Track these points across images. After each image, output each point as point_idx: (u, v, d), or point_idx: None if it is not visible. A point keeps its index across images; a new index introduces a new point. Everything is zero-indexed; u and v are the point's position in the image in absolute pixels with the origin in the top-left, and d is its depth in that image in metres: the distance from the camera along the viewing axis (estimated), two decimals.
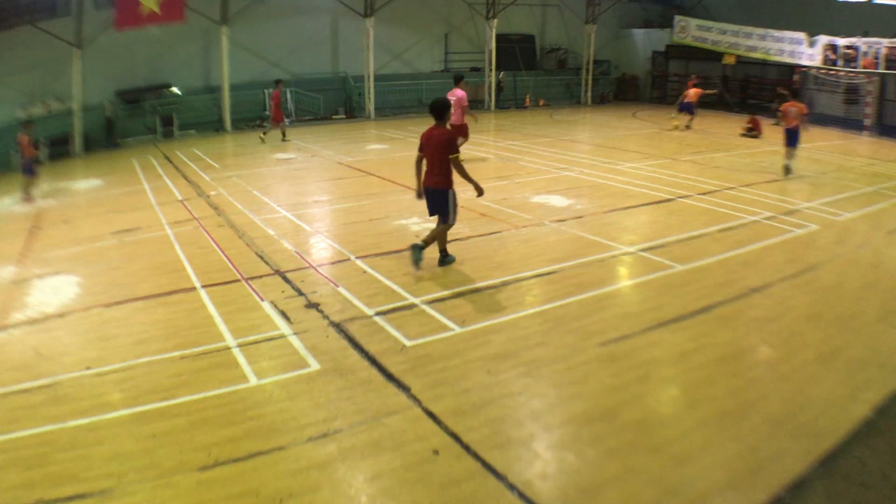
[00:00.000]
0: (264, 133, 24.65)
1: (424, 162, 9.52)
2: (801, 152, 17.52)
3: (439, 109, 9.44)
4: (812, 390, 6.30)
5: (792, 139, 16.23)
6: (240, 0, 27.69)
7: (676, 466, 5.11)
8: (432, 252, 9.86)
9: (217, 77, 27.58)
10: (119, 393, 6.29)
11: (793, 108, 16.11)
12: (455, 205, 9.57)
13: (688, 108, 25.88)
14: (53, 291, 9.28)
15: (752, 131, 24.38)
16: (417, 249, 9.59)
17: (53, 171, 17.18)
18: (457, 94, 17.38)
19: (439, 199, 9.49)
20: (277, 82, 24.42)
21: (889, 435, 5.55)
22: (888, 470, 5.06)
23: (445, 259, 9.93)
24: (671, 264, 9.78)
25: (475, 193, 9.67)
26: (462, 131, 17.51)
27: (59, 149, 22.98)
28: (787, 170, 16.49)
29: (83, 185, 16.96)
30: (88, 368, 6.78)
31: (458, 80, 18.15)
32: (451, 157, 9.23)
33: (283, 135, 24.54)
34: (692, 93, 25.62)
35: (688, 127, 26.09)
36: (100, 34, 24.06)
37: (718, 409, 5.92)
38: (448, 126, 9.87)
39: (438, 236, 9.75)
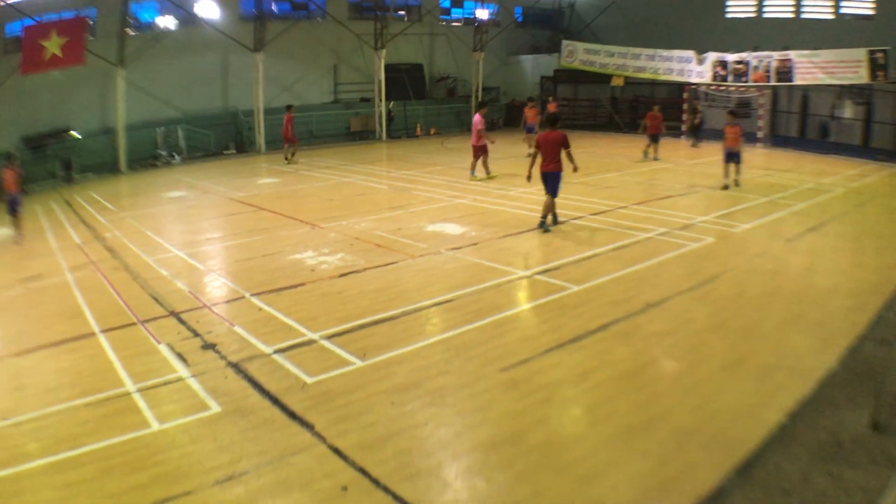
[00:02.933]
0: (288, 155, 26.45)
1: (539, 155, 13.19)
2: (695, 168, 18.85)
3: (553, 120, 13.71)
4: (721, 400, 6.39)
5: (734, 157, 17.96)
6: (135, 41, 27.56)
7: (584, 485, 5.09)
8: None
9: (113, 118, 26.90)
10: (35, 443, 6.12)
11: (732, 131, 17.85)
12: (560, 184, 13.23)
13: (530, 130, 26.55)
14: None
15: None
16: (542, 224, 13.30)
17: None
18: (475, 120, 20.02)
19: (554, 180, 13.08)
20: (289, 107, 26.54)
21: (806, 439, 5.58)
22: (809, 474, 5.07)
23: (544, 224, 13.35)
24: (567, 285, 9.86)
25: (572, 168, 13.36)
26: (478, 152, 20.01)
27: None
28: (736, 183, 18.14)
29: None
30: (5, 419, 6.51)
31: (479, 107, 21.30)
32: (567, 150, 12.98)
33: (293, 155, 26.54)
34: (531, 114, 26.17)
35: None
36: (6, 80, 23.33)
37: (623, 425, 5.94)
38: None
39: (549, 207, 13.31)
